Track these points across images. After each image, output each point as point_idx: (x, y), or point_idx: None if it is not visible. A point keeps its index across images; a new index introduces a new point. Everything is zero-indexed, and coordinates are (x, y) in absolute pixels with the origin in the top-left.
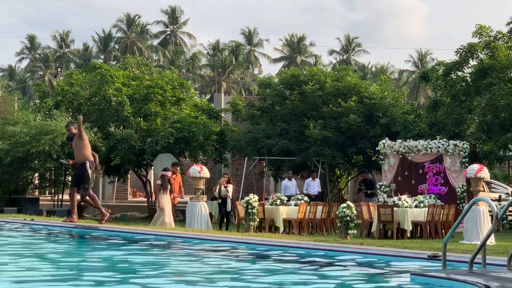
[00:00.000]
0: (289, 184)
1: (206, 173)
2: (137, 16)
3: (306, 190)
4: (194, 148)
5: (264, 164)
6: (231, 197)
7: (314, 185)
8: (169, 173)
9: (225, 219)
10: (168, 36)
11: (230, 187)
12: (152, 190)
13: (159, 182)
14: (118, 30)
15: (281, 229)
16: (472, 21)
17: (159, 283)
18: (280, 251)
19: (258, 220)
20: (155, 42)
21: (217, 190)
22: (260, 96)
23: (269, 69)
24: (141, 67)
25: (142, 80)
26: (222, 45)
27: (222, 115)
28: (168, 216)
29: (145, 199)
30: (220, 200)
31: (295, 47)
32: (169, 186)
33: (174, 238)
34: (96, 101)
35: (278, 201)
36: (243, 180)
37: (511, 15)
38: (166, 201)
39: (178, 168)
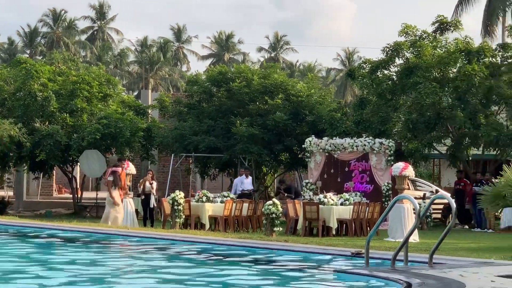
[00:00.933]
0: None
1: (132, 169)
2: (63, 11)
3: (240, 188)
4: (120, 144)
5: (190, 161)
6: (155, 194)
7: (247, 183)
8: (120, 169)
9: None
10: (95, 32)
11: (155, 184)
12: (78, 186)
13: (111, 178)
14: (44, 25)
15: (207, 226)
16: (399, 20)
17: (81, 280)
18: (205, 248)
19: (184, 217)
20: (83, 37)
21: (141, 187)
22: (187, 93)
23: (197, 66)
24: (67, 63)
25: (69, 75)
26: (150, 41)
27: (149, 111)
28: (120, 213)
29: (71, 195)
30: (143, 197)
31: (224, 44)
32: (120, 182)
33: (98, 234)
34: (21, 96)
35: (204, 198)
36: (169, 176)
37: (436, 15)
38: (118, 197)
39: (125, 164)
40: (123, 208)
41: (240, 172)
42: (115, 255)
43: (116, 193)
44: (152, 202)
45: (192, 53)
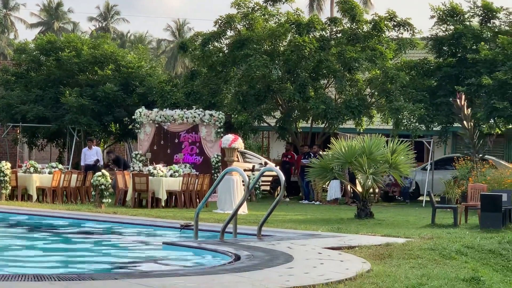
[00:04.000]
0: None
1: None
2: None
3: (84, 161)
4: None
5: (18, 130)
6: None
7: (91, 154)
8: None
9: None
10: None
11: None
12: None
13: None
14: None
15: (34, 197)
16: None
17: None
18: (30, 220)
19: (10, 188)
20: None
21: None
22: (15, 61)
23: (25, 35)
24: None
25: None
26: None
27: None
28: None
29: None
30: None
31: (53, 13)
32: None
33: None
34: None
35: (32, 169)
36: None
37: None
38: None
39: None
40: None
41: (89, 145)
42: None
43: None
44: None
45: (20, 21)
